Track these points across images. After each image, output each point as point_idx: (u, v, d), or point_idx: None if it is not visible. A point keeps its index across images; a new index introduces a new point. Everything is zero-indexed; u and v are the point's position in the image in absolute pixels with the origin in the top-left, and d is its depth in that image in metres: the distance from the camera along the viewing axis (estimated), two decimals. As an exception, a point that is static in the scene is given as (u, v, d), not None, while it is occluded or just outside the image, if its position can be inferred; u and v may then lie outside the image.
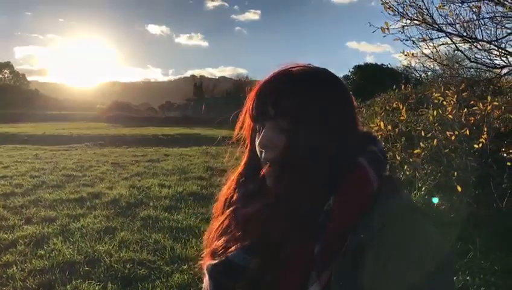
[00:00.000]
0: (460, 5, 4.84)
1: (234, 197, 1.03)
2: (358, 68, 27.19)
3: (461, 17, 4.92)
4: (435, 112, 6.08)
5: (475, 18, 4.95)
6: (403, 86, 7.36)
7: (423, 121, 6.50)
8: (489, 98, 5.12)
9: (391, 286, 0.77)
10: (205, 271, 0.96)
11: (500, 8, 5.19)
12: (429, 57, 5.53)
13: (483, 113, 5.27)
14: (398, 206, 0.86)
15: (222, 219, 1.02)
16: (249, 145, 1.04)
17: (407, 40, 5.47)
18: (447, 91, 6.27)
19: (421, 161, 5.46)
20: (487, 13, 5.10)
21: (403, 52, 5.71)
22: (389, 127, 5.95)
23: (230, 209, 1.02)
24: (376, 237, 0.80)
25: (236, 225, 0.97)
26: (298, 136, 0.87)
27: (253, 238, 0.90)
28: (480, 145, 5.08)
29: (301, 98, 0.89)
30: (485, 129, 5.15)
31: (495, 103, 5.04)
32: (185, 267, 4.25)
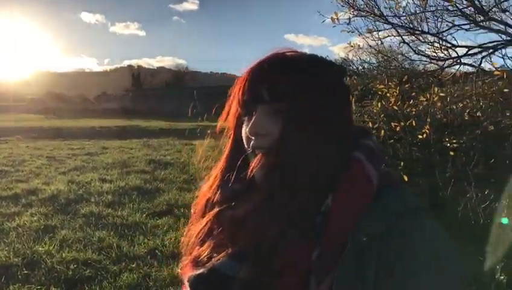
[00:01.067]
0: (406, -3, 4.93)
1: (217, 197, 0.91)
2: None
3: (407, 10, 5.01)
4: (379, 104, 6.19)
5: (420, 11, 5.06)
6: (348, 78, 7.45)
7: (367, 112, 6.61)
8: (435, 89, 5.26)
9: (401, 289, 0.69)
10: (186, 282, 0.84)
11: (441, 2, 5.33)
12: (374, 49, 5.60)
13: (426, 104, 5.42)
14: (402, 204, 0.78)
15: (204, 222, 0.90)
16: (232, 135, 0.94)
17: (353, 32, 5.52)
18: (390, 83, 6.40)
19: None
20: (429, 6, 5.22)
21: (349, 43, 5.76)
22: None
23: (214, 211, 0.90)
24: (380, 240, 0.72)
25: (222, 229, 0.86)
26: (294, 122, 0.79)
27: (243, 243, 0.79)
28: (424, 135, 5.22)
29: (299, 82, 0.80)
30: (429, 120, 5.29)
31: (441, 94, 5.19)
32: (134, 266, 4.05)
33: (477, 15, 5.21)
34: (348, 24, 5.39)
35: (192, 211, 0.98)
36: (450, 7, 5.31)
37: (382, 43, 5.60)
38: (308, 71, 0.83)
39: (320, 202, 0.77)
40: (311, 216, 0.77)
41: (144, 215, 5.69)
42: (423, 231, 0.74)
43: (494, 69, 4.77)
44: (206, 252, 0.85)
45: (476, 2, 4.74)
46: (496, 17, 5.11)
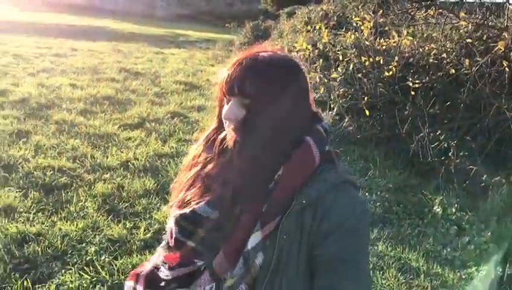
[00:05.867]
0: None
1: (201, 157, 1.22)
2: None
3: None
4: (353, 36, 6.35)
5: None
6: (324, 6, 7.45)
7: (340, 42, 6.76)
8: (405, 31, 5.47)
9: (325, 238, 1.04)
10: (172, 217, 1.16)
11: None
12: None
13: (396, 42, 5.63)
14: (334, 178, 1.10)
15: (189, 175, 1.21)
16: (217, 113, 1.22)
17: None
18: (365, 15, 6.52)
19: (336, 84, 5.79)
20: None
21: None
22: (309, 47, 6.14)
23: (197, 168, 1.20)
24: (315, 202, 1.05)
25: (200, 182, 1.17)
26: (255, 113, 1.08)
27: (214, 194, 1.11)
28: (391, 73, 5.48)
29: (261, 82, 1.08)
30: (396, 58, 5.53)
31: (409, 38, 5.41)
32: (107, 176, 4.32)
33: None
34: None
35: (183, 162, 1.28)
36: None
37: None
38: (271, 73, 1.09)
39: (275, 171, 1.08)
40: (265, 182, 1.08)
41: (116, 126, 5.86)
42: (346, 198, 1.08)
43: (462, 16, 5.00)
44: (188, 198, 1.17)
45: None
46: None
